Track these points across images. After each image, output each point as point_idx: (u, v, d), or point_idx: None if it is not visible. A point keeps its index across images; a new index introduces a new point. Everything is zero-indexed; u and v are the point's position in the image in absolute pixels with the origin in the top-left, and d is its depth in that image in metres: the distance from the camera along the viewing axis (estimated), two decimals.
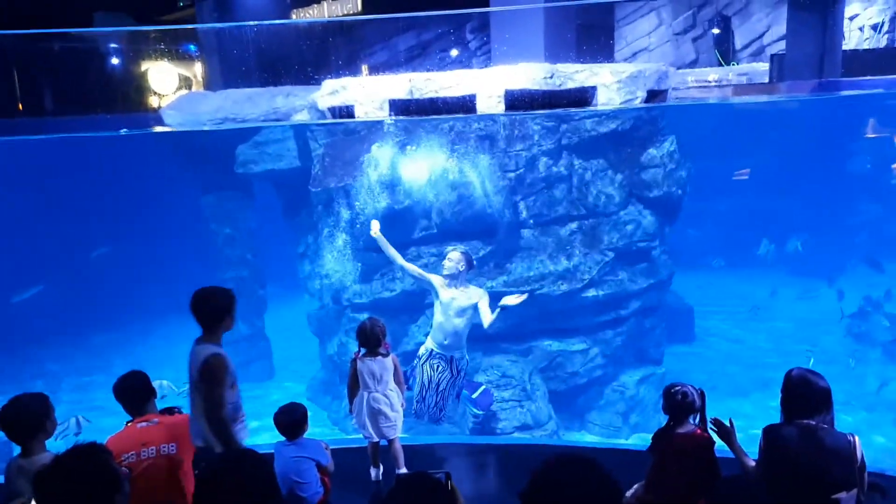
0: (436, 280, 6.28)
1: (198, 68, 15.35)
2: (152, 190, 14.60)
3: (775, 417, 3.46)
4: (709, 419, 3.73)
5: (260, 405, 10.68)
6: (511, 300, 6.08)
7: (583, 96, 8.15)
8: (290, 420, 4.18)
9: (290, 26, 13.37)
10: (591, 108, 8.31)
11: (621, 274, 9.02)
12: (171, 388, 8.88)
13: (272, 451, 4.21)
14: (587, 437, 8.92)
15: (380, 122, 8.69)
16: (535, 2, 10.08)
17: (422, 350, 6.40)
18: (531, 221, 8.88)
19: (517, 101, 8.06)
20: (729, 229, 16.03)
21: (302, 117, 9.82)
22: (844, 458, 3.27)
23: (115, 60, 13.81)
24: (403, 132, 8.82)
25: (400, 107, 8.31)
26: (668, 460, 3.71)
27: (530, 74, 7.94)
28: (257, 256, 11.91)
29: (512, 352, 8.82)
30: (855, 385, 9.76)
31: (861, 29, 16.78)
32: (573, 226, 8.97)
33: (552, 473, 2.00)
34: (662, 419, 3.84)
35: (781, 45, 14.68)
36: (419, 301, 8.81)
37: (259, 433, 9.66)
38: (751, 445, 3.59)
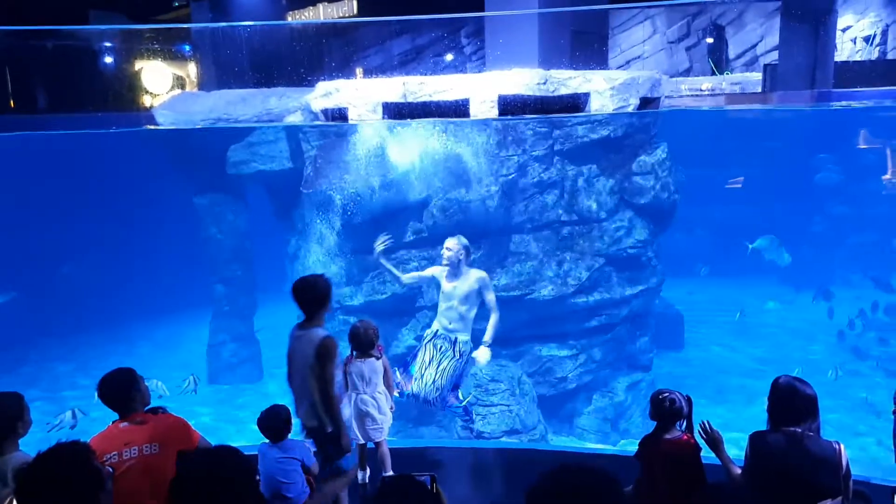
0: (436, 271, 6.32)
1: (191, 68, 15.30)
2: (143, 189, 14.53)
3: (762, 425, 3.47)
4: (696, 425, 3.74)
5: (247, 406, 10.67)
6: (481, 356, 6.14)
7: (575, 102, 8.18)
8: (274, 422, 4.16)
9: (285, 28, 13.36)
10: (584, 114, 8.34)
11: (611, 280, 9.05)
12: (164, 390, 8.83)
13: (256, 453, 4.19)
14: (575, 443, 8.93)
15: (373, 125, 8.69)
16: (529, 7, 10.10)
17: (427, 331, 6.44)
18: (522, 226, 8.89)
19: (510, 107, 8.08)
20: (720, 237, 16.10)
21: (295, 119, 9.81)
22: (830, 466, 3.28)
23: (108, 59, 13.75)
24: (396, 136, 8.82)
25: (393, 110, 8.32)
26: (656, 466, 3.71)
27: (524, 80, 7.96)
28: (248, 257, 11.86)
29: (501, 356, 8.81)
30: (839, 395, 9.81)
31: (853, 41, 16.92)
32: (564, 231, 8.99)
33: (559, 480, 1.98)
34: (650, 425, 3.84)
35: (775, 56, 14.79)
36: (410, 304, 8.81)
37: (244, 432, 9.66)
38: (737, 451, 3.60)
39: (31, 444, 3.10)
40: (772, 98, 12.56)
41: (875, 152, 17.29)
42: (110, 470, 3.21)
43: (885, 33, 16.43)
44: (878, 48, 16.42)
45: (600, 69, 9.59)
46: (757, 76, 14.61)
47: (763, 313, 13.57)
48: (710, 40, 19.01)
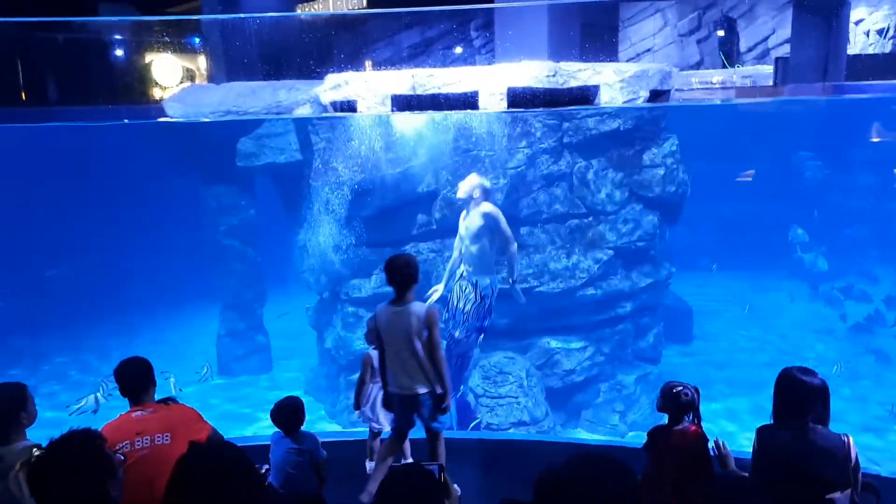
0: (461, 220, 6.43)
1: (201, 61, 15.33)
2: (153, 181, 14.61)
3: (770, 417, 3.46)
4: (711, 440, 3.74)
5: (257, 397, 10.75)
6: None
7: (585, 95, 8.14)
8: (287, 414, 4.18)
9: (294, 20, 13.35)
10: (594, 107, 8.31)
11: (620, 273, 9.04)
12: (175, 387, 8.89)
13: (268, 442, 4.22)
14: (583, 435, 8.94)
15: (382, 118, 8.70)
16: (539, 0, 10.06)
17: (458, 271, 6.65)
18: (531, 219, 8.88)
19: (519, 99, 8.05)
20: (729, 231, 16.03)
21: (304, 111, 9.82)
22: (838, 458, 3.26)
23: (119, 51, 13.80)
24: (405, 128, 8.82)
25: (402, 102, 8.31)
26: (665, 458, 3.72)
27: (533, 72, 7.93)
28: (257, 249, 11.92)
29: (509, 349, 8.83)
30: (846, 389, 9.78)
31: (867, 33, 16.73)
32: (573, 224, 8.97)
33: (571, 468, 1.98)
34: (658, 417, 3.85)
35: (786, 49, 14.66)
36: (418, 295, 8.81)
37: (254, 423, 9.72)
38: (746, 446, 3.60)
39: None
40: (783, 91, 12.45)
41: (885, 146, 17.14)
42: (122, 458, 3.24)
43: None
44: (891, 41, 16.24)
45: (610, 62, 9.55)
46: (768, 69, 14.47)
47: (772, 306, 13.53)
48: (721, 33, 18.85)
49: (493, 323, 7.71)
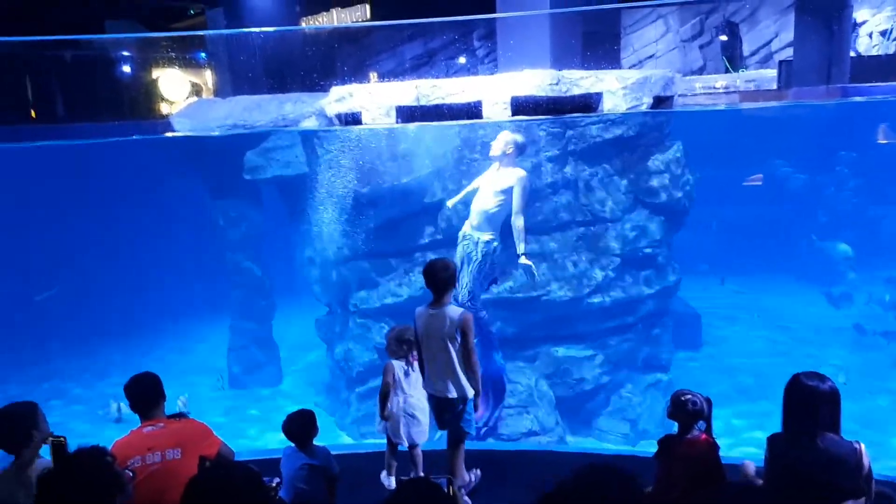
0: (480, 180, 6.64)
1: (208, 75, 15.48)
2: (161, 196, 14.71)
3: (781, 425, 3.43)
4: (714, 426, 3.73)
5: (268, 409, 10.77)
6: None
7: (588, 102, 8.15)
8: (299, 427, 4.19)
9: (298, 33, 13.46)
10: (597, 114, 8.32)
11: (627, 280, 9.01)
12: (184, 406, 8.93)
13: (279, 456, 4.23)
14: (594, 444, 8.90)
15: (387, 129, 8.74)
16: (541, 9, 10.10)
17: (460, 233, 6.80)
18: (537, 227, 8.88)
19: (523, 108, 8.07)
20: (737, 235, 15.97)
21: (310, 124, 9.88)
22: (850, 467, 3.23)
23: (126, 68, 13.95)
24: (410, 139, 8.86)
25: (407, 113, 8.35)
26: (675, 466, 3.71)
27: (536, 81, 7.95)
28: (265, 262, 11.97)
29: (518, 358, 8.81)
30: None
31: (870, 35, 16.71)
32: (579, 232, 8.97)
33: (577, 479, 2.00)
34: (669, 426, 3.85)
35: (790, 52, 14.65)
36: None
37: (265, 435, 9.73)
38: (759, 451, 3.58)
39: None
40: (787, 95, 12.44)
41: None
42: (131, 474, 3.26)
43: None
44: (894, 42, 16.20)
45: (613, 69, 9.56)
46: (772, 73, 14.46)
47: (782, 310, 13.46)
48: (723, 38, 18.85)
49: (501, 332, 7.73)
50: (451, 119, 8.26)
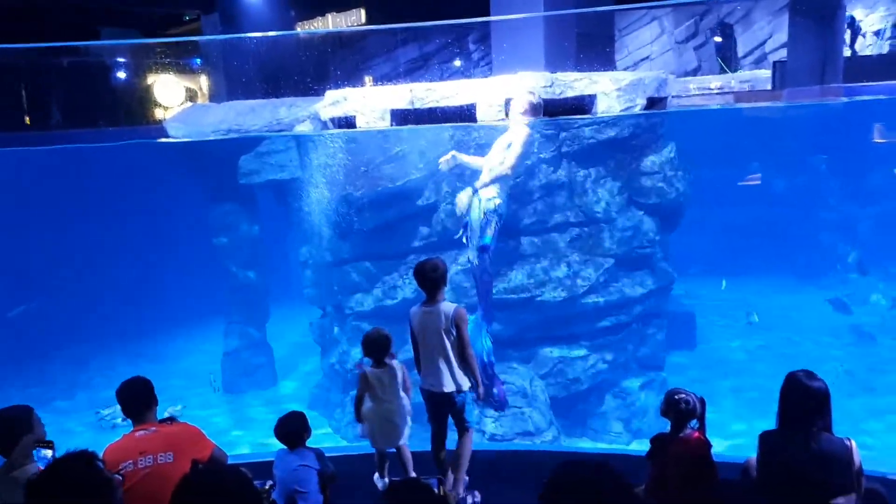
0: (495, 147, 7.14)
1: (202, 81, 15.50)
2: (156, 201, 14.69)
3: (774, 423, 3.45)
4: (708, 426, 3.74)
5: (262, 413, 10.75)
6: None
7: (582, 104, 8.18)
8: (291, 429, 4.18)
9: (291, 38, 13.47)
10: (590, 116, 8.34)
11: (622, 280, 9.02)
12: (177, 412, 8.92)
13: (272, 459, 4.23)
14: (588, 444, 8.90)
15: (381, 132, 8.75)
16: (535, 11, 10.12)
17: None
18: (531, 229, 8.89)
19: None
20: (732, 235, 16.00)
21: (304, 128, 9.90)
22: (841, 463, 3.26)
23: (121, 74, 13.97)
24: (405, 142, 8.87)
25: (401, 116, 8.37)
26: (668, 465, 3.72)
27: (530, 83, 7.98)
28: (260, 265, 11.97)
29: (513, 358, 8.82)
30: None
31: (863, 35, 16.79)
32: (573, 233, 8.98)
33: (567, 477, 2.00)
34: (663, 425, 3.85)
35: (784, 53, 14.71)
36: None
37: (258, 439, 9.71)
38: (751, 452, 3.59)
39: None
40: (782, 95, 12.49)
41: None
42: (120, 478, 3.25)
43: (895, 27, 16.29)
44: (888, 42, 16.29)
45: (607, 71, 9.59)
46: (766, 73, 14.54)
47: (776, 310, 13.48)
48: (718, 39, 18.95)
49: (495, 333, 7.71)
50: (446, 122, 8.29)
